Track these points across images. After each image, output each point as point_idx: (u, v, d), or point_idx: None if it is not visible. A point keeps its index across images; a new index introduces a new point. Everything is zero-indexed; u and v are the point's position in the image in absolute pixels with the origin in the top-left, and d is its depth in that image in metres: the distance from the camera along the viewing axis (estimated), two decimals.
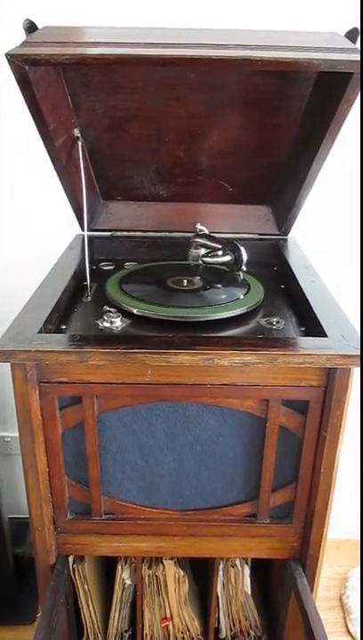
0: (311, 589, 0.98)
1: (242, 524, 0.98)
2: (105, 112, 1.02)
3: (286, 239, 1.27)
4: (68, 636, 1.05)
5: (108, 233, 1.26)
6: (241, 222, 1.25)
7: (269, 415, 0.89)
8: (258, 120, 1.03)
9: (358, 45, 0.85)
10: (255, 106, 1.01)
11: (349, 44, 0.86)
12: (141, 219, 1.26)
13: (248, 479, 0.95)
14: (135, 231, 1.26)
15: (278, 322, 0.95)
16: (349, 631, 1.53)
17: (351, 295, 1.40)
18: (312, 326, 0.92)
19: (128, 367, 0.84)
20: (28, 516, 1.83)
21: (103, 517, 0.97)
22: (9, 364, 0.83)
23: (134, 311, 0.95)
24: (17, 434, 1.75)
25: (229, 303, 0.98)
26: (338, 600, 1.62)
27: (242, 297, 1.01)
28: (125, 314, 0.95)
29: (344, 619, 1.56)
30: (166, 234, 1.25)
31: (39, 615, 1.53)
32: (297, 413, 0.89)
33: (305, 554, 0.99)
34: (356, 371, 0.85)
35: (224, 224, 1.24)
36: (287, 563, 1.01)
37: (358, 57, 0.81)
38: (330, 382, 0.85)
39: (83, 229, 1.18)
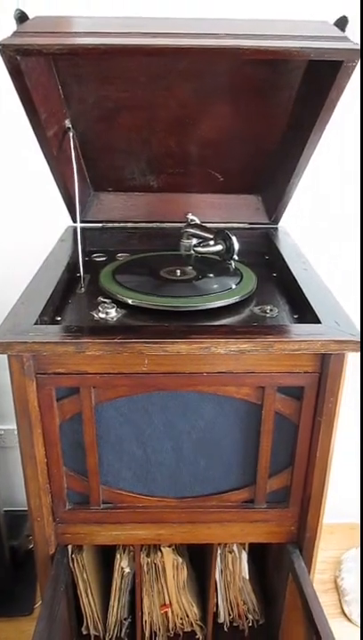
0: (309, 572, 1.00)
1: (240, 510, 0.99)
2: (96, 102, 1.01)
3: (277, 228, 1.28)
4: (68, 625, 1.06)
5: (100, 224, 1.26)
6: (232, 212, 1.26)
7: (264, 402, 0.90)
8: (248, 109, 1.03)
9: (347, 34, 0.86)
10: (246, 95, 1.01)
11: (338, 33, 0.86)
12: (131, 210, 1.26)
13: (245, 465, 0.96)
14: (126, 222, 1.26)
15: (271, 310, 0.96)
16: (344, 612, 1.56)
17: (340, 282, 1.42)
18: (305, 313, 0.93)
19: (125, 357, 0.84)
20: (23, 508, 1.83)
21: (102, 507, 0.98)
22: (5, 355, 0.83)
23: (129, 301, 0.96)
24: (12, 426, 1.76)
25: (222, 292, 0.99)
26: (333, 582, 1.65)
27: (235, 286, 1.01)
28: (120, 304, 0.95)
29: (339, 600, 1.59)
30: (158, 224, 1.26)
31: (37, 606, 1.55)
32: (293, 399, 0.90)
33: (302, 537, 1.01)
34: (350, 356, 0.86)
35: (215, 214, 1.24)
36: (285, 546, 1.03)
37: (347, 45, 0.82)
38: (324, 368, 0.87)
39: (74, 221, 1.18)
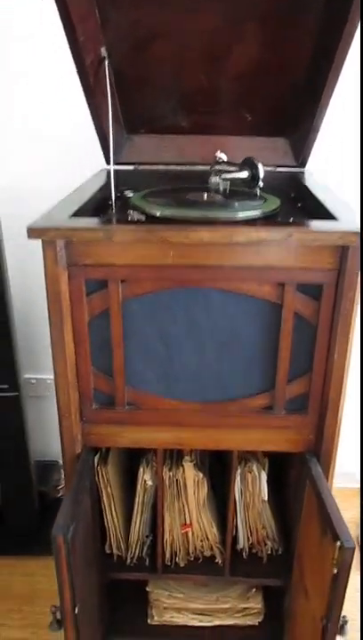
0: (326, 480, 1.01)
1: (259, 416, 1.02)
2: (129, 29, 1.07)
3: (303, 172, 1.32)
4: (91, 516, 1.09)
5: (132, 166, 1.33)
6: (260, 154, 1.28)
7: (284, 301, 0.93)
8: (275, 36, 1.08)
9: None
10: (272, 21, 1.06)
11: None
12: (163, 152, 1.32)
13: (265, 369, 0.99)
14: (158, 164, 1.32)
15: (293, 220, 1.00)
16: None
17: None
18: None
19: (151, 247, 0.89)
20: (54, 459, 1.88)
21: (126, 408, 1.02)
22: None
23: (157, 214, 1.01)
24: (43, 375, 1.80)
25: (247, 208, 1.03)
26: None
27: (259, 205, 1.06)
28: (149, 218, 1.01)
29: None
30: (188, 167, 1.31)
31: None
32: (311, 299, 0.94)
33: (319, 447, 1.02)
34: None
35: (243, 156, 1.29)
36: (303, 456, 1.05)
37: None
38: (343, 264, 0.90)
39: (108, 162, 1.24)
